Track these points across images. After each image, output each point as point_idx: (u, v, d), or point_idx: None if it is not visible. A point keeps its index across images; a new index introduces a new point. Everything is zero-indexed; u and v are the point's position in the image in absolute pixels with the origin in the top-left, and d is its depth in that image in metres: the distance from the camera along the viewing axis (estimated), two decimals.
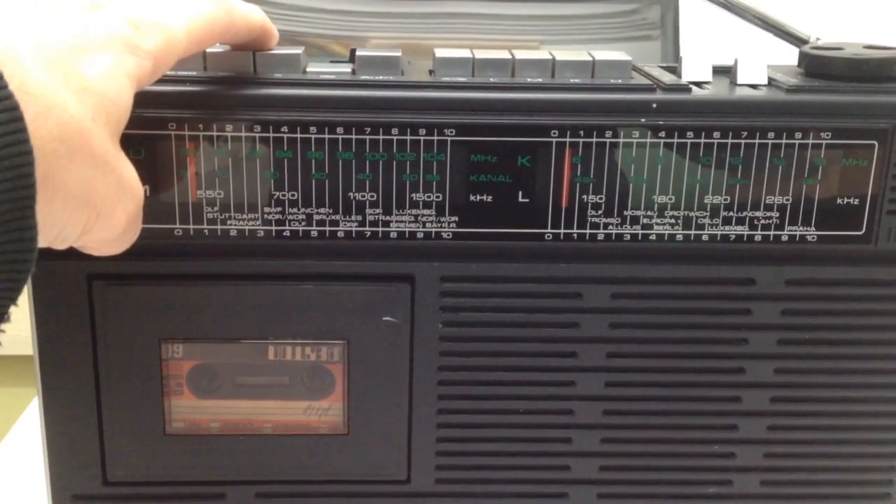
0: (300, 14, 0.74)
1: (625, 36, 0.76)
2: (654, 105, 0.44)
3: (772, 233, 0.46)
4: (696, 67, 0.47)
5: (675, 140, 0.44)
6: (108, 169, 0.35)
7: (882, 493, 0.50)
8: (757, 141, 0.45)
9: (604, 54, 0.46)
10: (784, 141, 0.45)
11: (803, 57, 0.49)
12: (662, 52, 0.75)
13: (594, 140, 0.44)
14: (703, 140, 0.45)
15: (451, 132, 0.44)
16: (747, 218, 0.46)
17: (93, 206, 0.35)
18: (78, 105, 0.33)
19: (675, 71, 0.48)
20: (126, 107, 0.36)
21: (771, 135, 0.45)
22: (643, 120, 0.44)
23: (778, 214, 0.46)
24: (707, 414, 0.49)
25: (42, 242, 0.34)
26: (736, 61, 0.48)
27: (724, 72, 0.48)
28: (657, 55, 0.74)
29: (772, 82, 0.47)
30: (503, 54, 0.45)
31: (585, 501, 0.50)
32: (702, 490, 0.50)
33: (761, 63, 0.47)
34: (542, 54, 0.46)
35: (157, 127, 0.43)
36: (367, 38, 0.71)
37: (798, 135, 0.45)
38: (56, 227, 0.34)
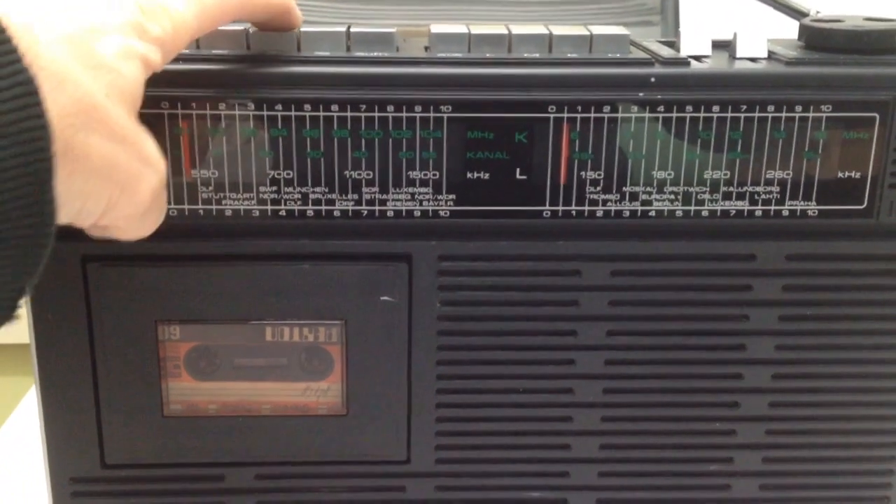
0: (300, 3, 0.73)
1: (625, 21, 0.76)
2: (653, 79, 0.44)
3: (772, 208, 0.46)
4: (694, 41, 0.47)
5: (674, 114, 0.44)
6: (128, 143, 0.35)
7: (885, 469, 0.50)
8: (756, 115, 0.44)
9: (601, 29, 0.45)
10: (784, 114, 0.44)
11: (803, 30, 0.48)
12: (662, 36, 0.75)
13: (592, 115, 0.44)
14: (702, 114, 0.44)
15: (448, 109, 0.44)
16: (747, 193, 0.45)
17: (115, 180, 0.35)
18: (92, 81, 0.33)
19: (673, 45, 0.47)
20: (139, 87, 0.36)
21: (771, 108, 0.44)
22: (641, 94, 0.44)
23: (778, 189, 0.45)
24: (708, 391, 0.48)
25: (64, 218, 0.34)
26: (735, 34, 0.47)
27: (724, 46, 0.48)
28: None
29: (771, 55, 0.46)
30: (499, 29, 0.45)
31: (586, 481, 0.50)
32: (703, 468, 0.50)
33: (761, 36, 0.47)
34: (538, 29, 0.45)
35: (150, 106, 0.42)
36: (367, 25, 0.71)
37: (798, 108, 0.44)
38: (78, 202, 0.34)
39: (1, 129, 0.30)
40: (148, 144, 0.37)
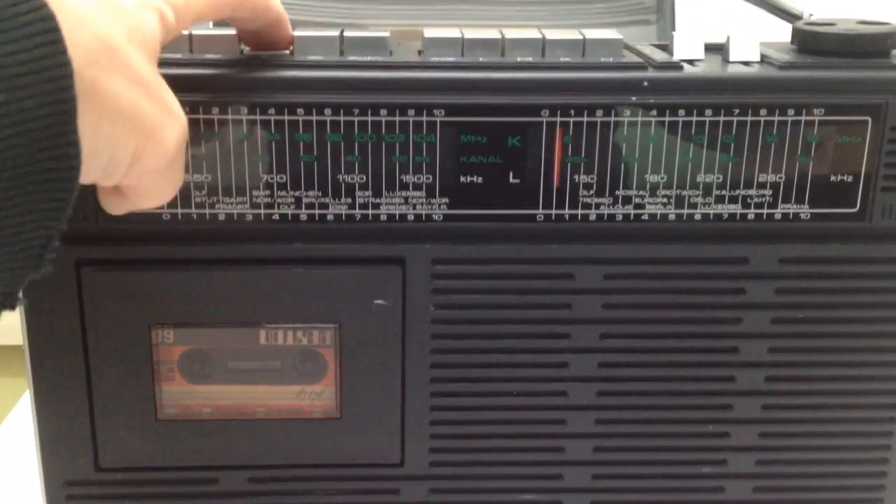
0: (294, 3, 0.73)
1: (622, 21, 0.76)
2: (646, 83, 0.44)
3: (765, 211, 0.46)
4: (687, 45, 0.47)
5: (667, 118, 0.44)
6: (152, 89, 0.35)
7: (878, 471, 0.50)
8: (749, 118, 0.44)
9: (594, 33, 0.45)
10: (777, 118, 0.44)
11: (796, 33, 0.48)
12: (659, 35, 0.75)
13: (585, 119, 0.44)
14: (695, 118, 0.44)
15: (441, 113, 0.44)
16: (740, 196, 0.45)
17: (141, 127, 0.34)
18: (114, 22, 0.33)
19: (667, 49, 0.48)
20: (157, 39, 0.36)
21: (763, 112, 0.44)
22: (634, 98, 0.44)
23: (771, 192, 0.45)
24: (701, 394, 0.48)
25: (95, 170, 0.34)
26: (728, 38, 0.47)
27: (717, 49, 0.48)
28: (654, 39, 0.74)
29: (764, 59, 0.46)
30: (493, 34, 0.45)
31: (580, 483, 0.50)
32: (697, 470, 0.50)
33: (754, 40, 0.47)
34: (531, 33, 0.45)
35: None
36: (362, 25, 0.71)
37: (791, 111, 0.44)
38: (108, 150, 0.33)
39: (23, 66, 0.29)
40: (169, 95, 0.37)
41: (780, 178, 0.45)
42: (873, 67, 0.45)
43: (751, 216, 0.46)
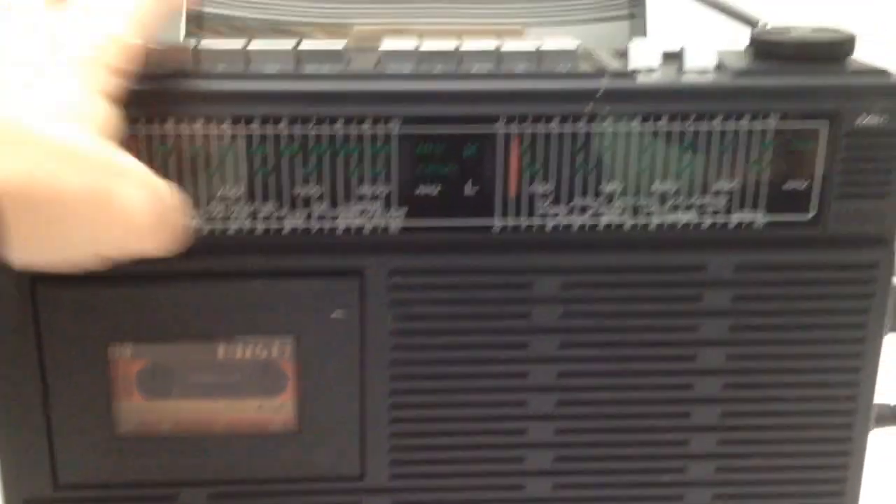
0: (282, 2, 0.73)
1: (609, 16, 0.75)
2: (600, 92, 0.44)
3: (721, 219, 0.46)
4: (644, 53, 0.47)
5: (622, 127, 0.44)
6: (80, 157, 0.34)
7: (837, 476, 0.50)
8: (704, 126, 0.44)
9: (551, 43, 0.45)
10: (731, 125, 0.44)
11: (753, 40, 0.48)
12: (632, 32, 0.75)
13: (541, 128, 0.44)
14: (649, 126, 0.44)
15: (396, 124, 0.43)
16: (696, 204, 0.46)
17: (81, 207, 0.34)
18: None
19: (624, 56, 0.48)
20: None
21: (718, 119, 0.44)
22: (588, 108, 0.44)
23: (727, 200, 0.46)
24: (660, 402, 0.48)
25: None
26: (683, 46, 0.47)
27: (675, 57, 0.48)
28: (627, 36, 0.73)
29: (720, 66, 0.46)
30: (448, 45, 0.45)
31: (541, 492, 0.50)
32: (657, 478, 0.50)
33: (710, 47, 0.47)
34: (488, 44, 0.45)
35: None
36: (350, 24, 0.70)
37: (745, 119, 0.44)
38: (65, 246, 0.34)
39: None
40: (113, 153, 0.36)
41: (736, 185, 0.45)
42: (828, 74, 0.45)
43: (707, 224, 0.46)
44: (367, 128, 0.43)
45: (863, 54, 0.47)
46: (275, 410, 0.48)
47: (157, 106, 0.43)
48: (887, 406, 0.62)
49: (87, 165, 0.34)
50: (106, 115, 0.36)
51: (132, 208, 0.36)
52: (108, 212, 0.35)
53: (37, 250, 0.32)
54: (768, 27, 0.51)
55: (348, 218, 0.45)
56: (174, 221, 0.39)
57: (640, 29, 0.74)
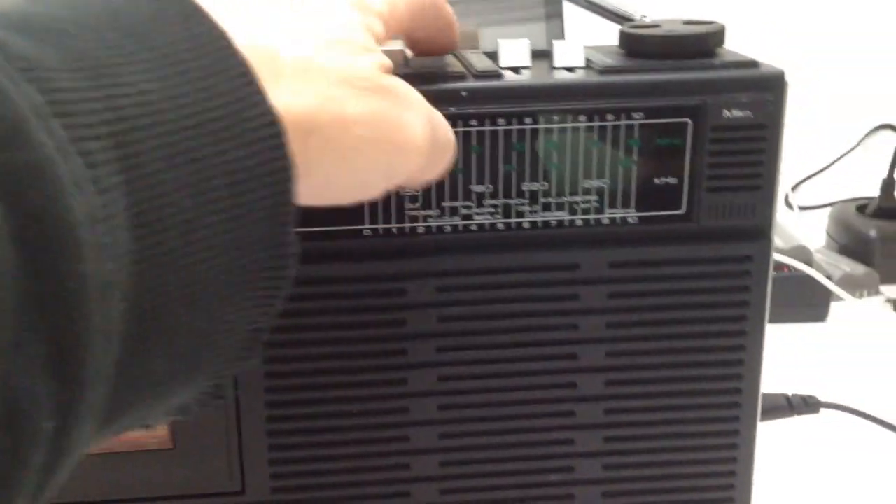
0: None
1: (513, 17, 0.75)
2: (464, 93, 0.43)
3: (592, 216, 0.46)
4: (513, 53, 0.46)
5: (487, 128, 0.44)
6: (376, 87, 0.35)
7: (726, 470, 0.50)
8: (569, 124, 0.44)
9: None
10: (597, 123, 0.44)
11: (622, 36, 0.48)
12: (548, 32, 0.75)
13: None
14: (515, 126, 0.44)
15: None
16: (567, 203, 0.45)
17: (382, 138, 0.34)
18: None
19: (495, 57, 0.47)
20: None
21: (583, 117, 0.44)
22: (452, 109, 0.43)
23: (597, 198, 0.45)
24: (544, 401, 0.48)
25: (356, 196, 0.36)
26: (552, 44, 0.47)
27: (545, 55, 0.47)
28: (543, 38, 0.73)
29: (589, 64, 0.46)
30: None
31: (428, 497, 0.49)
32: (544, 478, 0.49)
33: (578, 45, 0.47)
34: None
35: None
36: None
37: (610, 116, 0.44)
38: (357, 179, 0.35)
39: (249, 173, 0.29)
40: (402, 85, 0.36)
41: (606, 183, 0.45)
42: (693, 68, 0.45)
43: (579, 222, 0.46)
44: None
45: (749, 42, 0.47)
46: (148, 428, 0.47)
47: None
48: (783, 396, 0.63)
49: (372, 93, 0.34)
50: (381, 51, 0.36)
51: (416, 136, 0.36)
52: (395, 139, 0.35)
53: (324, 183, 0.33)
54: (641, 21, 0.51)
55: None
56: (449, 151, 0.40)
57: (557, 31, 0.74)
